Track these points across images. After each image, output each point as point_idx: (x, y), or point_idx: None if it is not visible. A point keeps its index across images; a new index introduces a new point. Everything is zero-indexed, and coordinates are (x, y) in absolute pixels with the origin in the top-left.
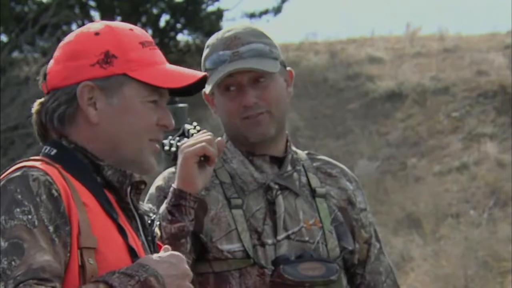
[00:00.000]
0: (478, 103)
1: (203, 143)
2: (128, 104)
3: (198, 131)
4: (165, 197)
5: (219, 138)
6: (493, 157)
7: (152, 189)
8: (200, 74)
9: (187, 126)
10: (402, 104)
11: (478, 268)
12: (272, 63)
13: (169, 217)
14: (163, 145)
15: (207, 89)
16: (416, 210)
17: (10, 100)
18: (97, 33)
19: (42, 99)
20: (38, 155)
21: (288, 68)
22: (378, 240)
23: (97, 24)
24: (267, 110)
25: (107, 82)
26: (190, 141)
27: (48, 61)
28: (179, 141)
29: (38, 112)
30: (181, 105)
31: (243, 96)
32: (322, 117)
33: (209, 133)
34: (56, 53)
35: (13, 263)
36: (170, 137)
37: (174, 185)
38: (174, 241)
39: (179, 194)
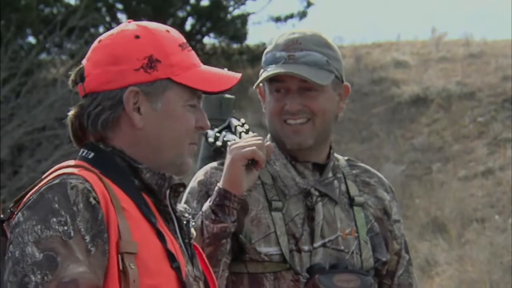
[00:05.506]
0: (504, 108)
1: (254, 147)
2: (171, 108)
3: (247, 130)
4: (207, 192)
5: (268, 143)
6: None
7: (194, 183)
8: (236, 76)
9: (234, 122)
10: (427, 108)
11: (503, 273)
12: (324, 75)
13: (213, 216)
14: (206, 136)
15: (255, 84)
16: (441, 214)
17: (37, 101)
18: (137, 36)
19: (82, 102)
20: (67, 156)
21: (345, 83)
22: (407, 252)
23: (131, 25)
24: (310, 118)
25: (151, 87)
26: (240, 142)
27: (76, 63)
28: (225, 136)
29: (78, 115)
30: (227, 96)
31: (289, 100)
32: (347, 121)
33: (259, 136)
34: (93, 55)
35: (45, 278)
36: (216, 129)
37: (220, 185)
38: (215, 241)
39: (224, 194)
